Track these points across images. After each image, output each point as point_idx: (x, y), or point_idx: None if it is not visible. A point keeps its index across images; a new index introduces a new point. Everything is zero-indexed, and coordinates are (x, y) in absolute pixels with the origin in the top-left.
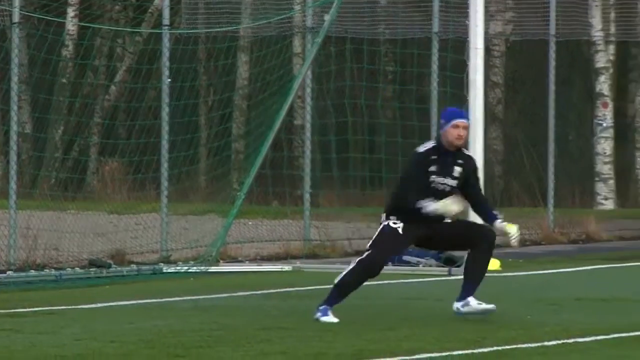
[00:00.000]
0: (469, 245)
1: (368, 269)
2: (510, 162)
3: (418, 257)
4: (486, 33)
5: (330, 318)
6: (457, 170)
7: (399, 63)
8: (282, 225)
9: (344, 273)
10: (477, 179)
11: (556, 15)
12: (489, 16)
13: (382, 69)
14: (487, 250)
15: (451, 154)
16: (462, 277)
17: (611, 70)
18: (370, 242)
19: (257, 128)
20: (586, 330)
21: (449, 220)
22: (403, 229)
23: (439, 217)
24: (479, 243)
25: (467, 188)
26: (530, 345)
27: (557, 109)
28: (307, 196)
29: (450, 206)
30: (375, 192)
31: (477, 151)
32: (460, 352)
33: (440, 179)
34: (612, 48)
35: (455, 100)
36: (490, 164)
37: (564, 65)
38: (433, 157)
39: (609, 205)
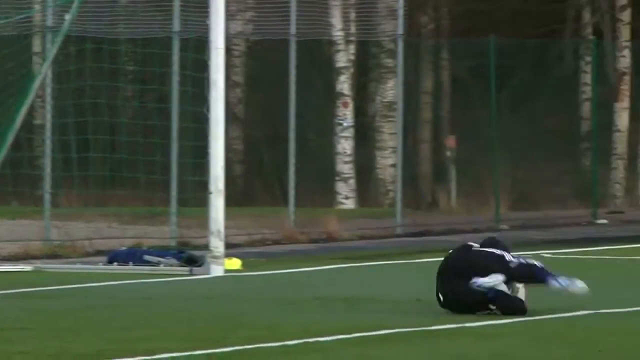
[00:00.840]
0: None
1: None
2: (251, 162)
3: (159, 256)
4: (227, 32)
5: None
6: None
7: (140, 62)
8: (22, 225)
9: None
10: None
11: (297, 15)
12: (229, 16)
13: (123, 68)
14: None
15: None
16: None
17: (352, 70)
18: None
19: None
20: (328, 329)
21: None
22: None
23: None
24: None
25: None
26: (272, 344)
27: (298, 109)
28: (47, 196)
29: None
30: (116, 192)
31: (217, 151)
32: (201, 351)
33: None
34: (352, 47)
35: (196, 100)
36: (230, 164)
37: (305, 64)
38: None
39: (350, 204)
